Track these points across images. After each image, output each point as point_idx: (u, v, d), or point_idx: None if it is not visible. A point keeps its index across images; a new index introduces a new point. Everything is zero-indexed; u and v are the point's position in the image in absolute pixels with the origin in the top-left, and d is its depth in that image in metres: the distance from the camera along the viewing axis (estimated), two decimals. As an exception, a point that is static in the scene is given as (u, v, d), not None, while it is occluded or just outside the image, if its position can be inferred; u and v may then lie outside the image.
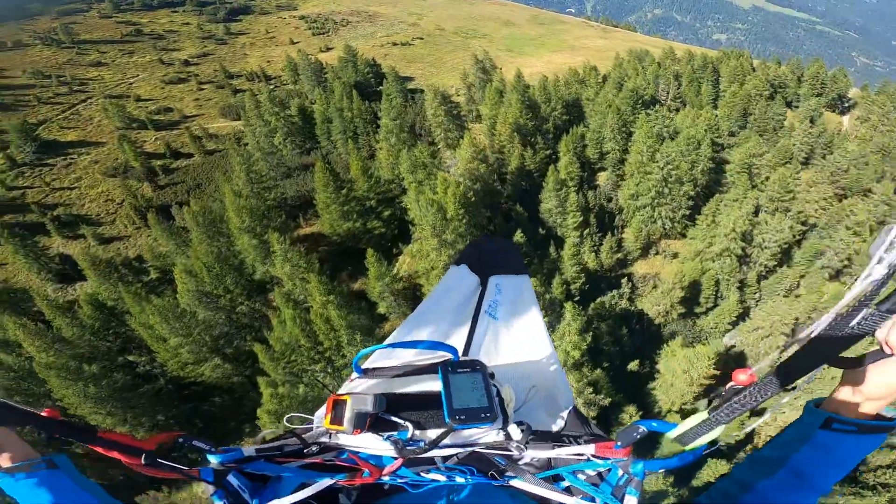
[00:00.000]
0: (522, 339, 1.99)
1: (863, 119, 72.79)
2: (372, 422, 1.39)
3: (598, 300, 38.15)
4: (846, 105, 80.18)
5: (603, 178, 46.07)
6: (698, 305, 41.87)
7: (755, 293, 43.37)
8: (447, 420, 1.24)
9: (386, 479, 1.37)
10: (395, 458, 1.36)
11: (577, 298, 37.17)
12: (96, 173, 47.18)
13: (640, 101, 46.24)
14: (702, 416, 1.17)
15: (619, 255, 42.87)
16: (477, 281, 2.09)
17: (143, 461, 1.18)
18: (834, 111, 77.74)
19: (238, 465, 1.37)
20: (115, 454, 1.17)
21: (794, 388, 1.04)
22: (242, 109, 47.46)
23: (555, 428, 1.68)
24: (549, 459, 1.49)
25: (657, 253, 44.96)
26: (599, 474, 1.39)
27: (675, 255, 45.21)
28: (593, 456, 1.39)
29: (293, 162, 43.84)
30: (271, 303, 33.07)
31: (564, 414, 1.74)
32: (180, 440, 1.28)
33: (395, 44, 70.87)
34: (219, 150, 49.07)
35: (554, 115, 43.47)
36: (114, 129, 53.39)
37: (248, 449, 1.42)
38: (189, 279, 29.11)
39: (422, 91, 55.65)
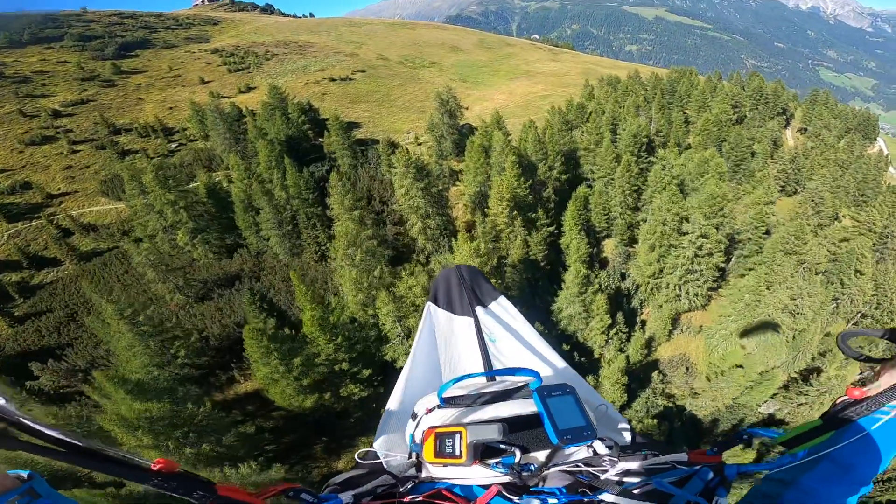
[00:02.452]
0: (536, 358, 1.95)
1: (808, 132, 70.54)
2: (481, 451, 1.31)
3: (645, 420, 28.36)
4: (785, 117, 78.00)
5: (610, 248, 36.45)
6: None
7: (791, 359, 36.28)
8: (555, 441, 1.21)
9: None
10: (487, 488, 1.27)
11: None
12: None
13: (642, 148, 37.16)
14: (814, 423, 1.16)
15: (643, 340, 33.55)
16: (468, 317, 2.08)
17: None
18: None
19: None
20: None
21: None
22: (123, 191, 32.51)
23: (625, 440, 1.61)
24: (633, 471, 1.37)
25: (681, 331, 36.22)
26: (683, 480, 1.30)
27: (699, 329, 36.76)
28: (683, 463, 1.32)
29: (210, 272, 29.89)
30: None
31: (627, 428, 1.68)
32: (290, 493, 1.21)
33: (332, 79, 57.21)
34: (99, 250, 33.62)
35: (553, 176, 33.02)
36: (-55, 223, 36.03)
37: (346, 495, 1.32)
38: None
39: (374, 142, 43.31)
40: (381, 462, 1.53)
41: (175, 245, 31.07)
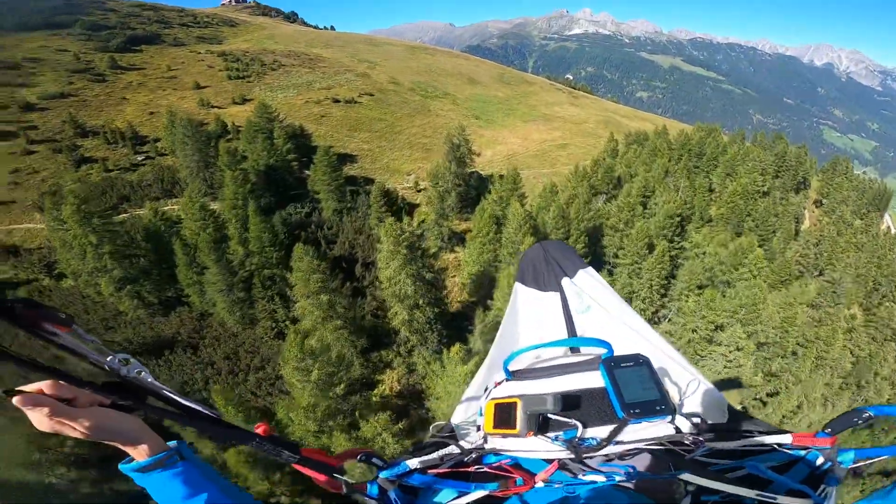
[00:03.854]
0: (626, 328, 1.75)
1: (825, 206, 64.71)
2: (540, 424, 1.25)
3: None
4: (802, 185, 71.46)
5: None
6: None
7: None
8: (620, 415, 1.09)
9: (541, 485, 1.20)
10: (549, 462, 1.22)
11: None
12: None
13: (676, 230, 31.09)
14: None
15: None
16: (554, 292, 1.97)
17: (331, 477, 1.17)
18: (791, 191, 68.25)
19: (400, 479, 1.32)
20: (308, 471, 1.15)
21: None
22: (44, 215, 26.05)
23: (720, 420, 1.42)
24: (724, 452, 1.27)
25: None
26: (787, 465, 1.18)
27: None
28: (787, 446, 1.19)
29: (137, 332, 23.45)
30: None
31: (724, 406, 1.50)
32: (362, 458, 1.29)
33: (336, 100, 51.44)
34: (15, 281, 27.04)
35: (570, 259, 26.76)
36: None
37: (412, 461, 1.35)
38: None
39: (368, 182, 37.09)
40: (454, 434, 1.51)
41: (97, 291, 24.60)
